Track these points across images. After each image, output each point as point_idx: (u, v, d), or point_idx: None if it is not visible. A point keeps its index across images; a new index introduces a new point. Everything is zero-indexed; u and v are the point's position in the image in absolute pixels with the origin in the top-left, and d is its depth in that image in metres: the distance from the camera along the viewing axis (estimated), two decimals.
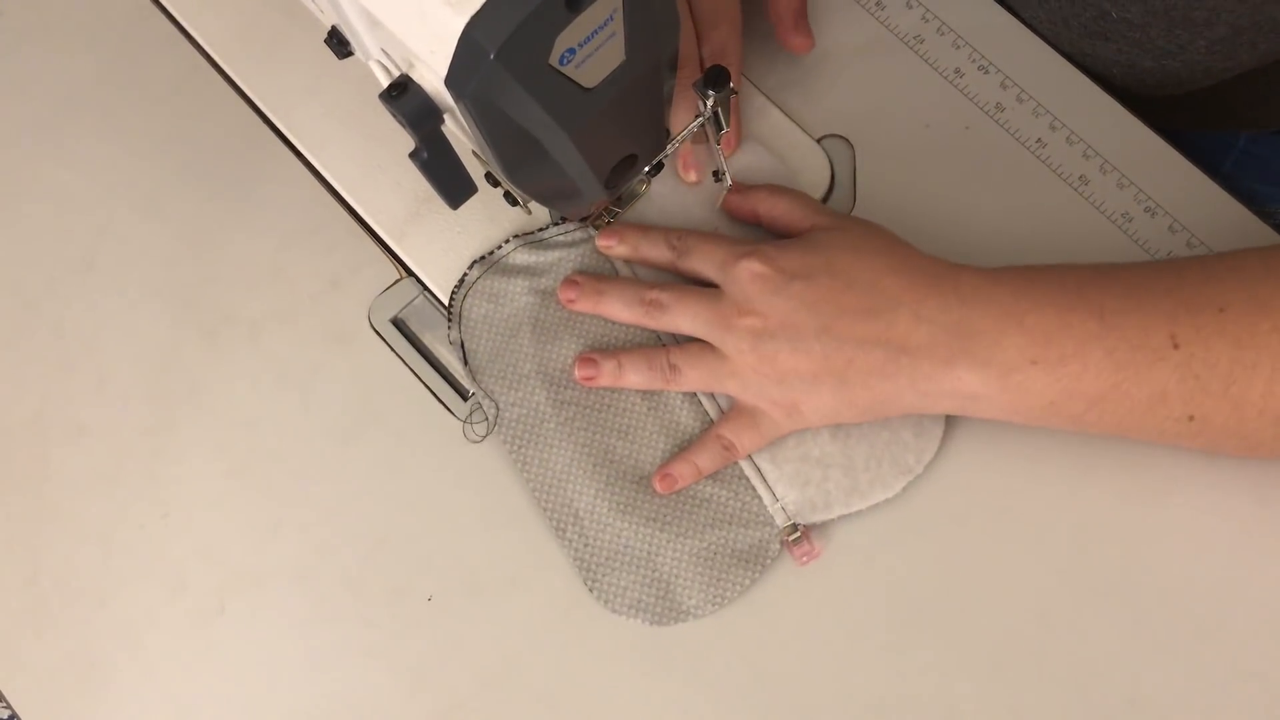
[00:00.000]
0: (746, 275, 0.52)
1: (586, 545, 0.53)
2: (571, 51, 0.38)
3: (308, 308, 0.59)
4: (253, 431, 0.57)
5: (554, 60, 0.38)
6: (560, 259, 0.56)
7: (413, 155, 0.43)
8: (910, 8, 0.61)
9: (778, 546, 0.53)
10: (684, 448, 0.54)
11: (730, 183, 0.54)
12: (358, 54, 0.46)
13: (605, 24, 0.38)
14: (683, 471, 0.53)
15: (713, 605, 0.52)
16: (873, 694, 0.51)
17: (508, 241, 0.57)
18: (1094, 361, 0.47)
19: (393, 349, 0.58)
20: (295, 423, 0.57)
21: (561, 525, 0.54)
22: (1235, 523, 0.52)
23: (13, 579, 0.56)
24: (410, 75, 0.41)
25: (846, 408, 0.51)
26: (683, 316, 0.53)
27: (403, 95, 0.40)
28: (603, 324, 0.56)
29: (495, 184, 0.51)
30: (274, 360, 0.59)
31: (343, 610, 0.54)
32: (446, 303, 0.57)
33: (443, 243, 0.59)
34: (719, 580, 0.53)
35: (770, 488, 0.53)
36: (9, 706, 0.55)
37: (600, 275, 0.56)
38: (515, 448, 0.55)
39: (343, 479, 0.56)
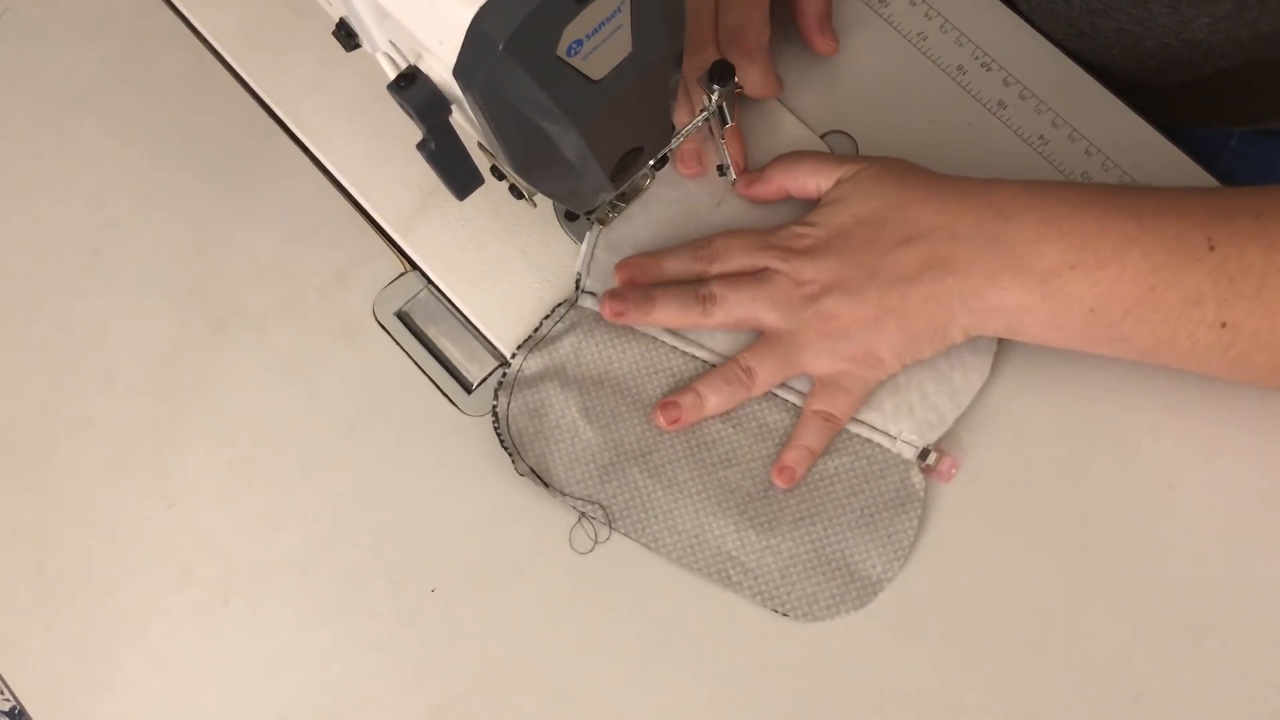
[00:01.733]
0: (787, 245, 0.53)
1: (758, 578, 0.53)
2: (579, 43, 0.38)
3: (313, 301, 0.60)
4: (258, 424, 0.58)
5: (561, 51, 0.38)
6: (574, 347, 0.56)
7: (420, 146, 0.43)
8: (914, 5, 0.62)
9: (921, 478, 0.53)
10: (786, 440, 0.54)
11: (734, 177, 0.55)
12: (365, 46, 0.46)
13: (612, 16, 0.39)
14: (797, 458, 0.53)
15: (897, 562, 0.52)
16: (874, 688, 0.52)
17: (514, 357, 0.56)
18: (1131, 264, 0.47)
19: (397, 342, 0.58)
20: (300, 415, 0.58)
21: (725, 574, 0.53)
22: (1237, 519, 0.52)
23: (19, 570, 0.56)
24: (418, 66, 0.42)
25: (914, 340, 0.52)
26: (742, 304, 0.54)
27: (411, 86, 0.41)
28: (653, 379, 0.55)
29: (501, 177, 0.51)
30: (279, 353, 0.59)
31: (346, 601, 0.55)
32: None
33: (447, 237, 0.59)
34: (889, 537, 0.53)
35: (883, 431, 0.54)
36: (11, 698, 0.55)
37: (644, 288, 0.55)
38: (639, 531, 0.54)
39: (347, 471, 0.57)
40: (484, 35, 0.37)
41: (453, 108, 0.43)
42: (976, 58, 0.61)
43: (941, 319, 0.51)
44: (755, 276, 0.54)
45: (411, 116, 0.42)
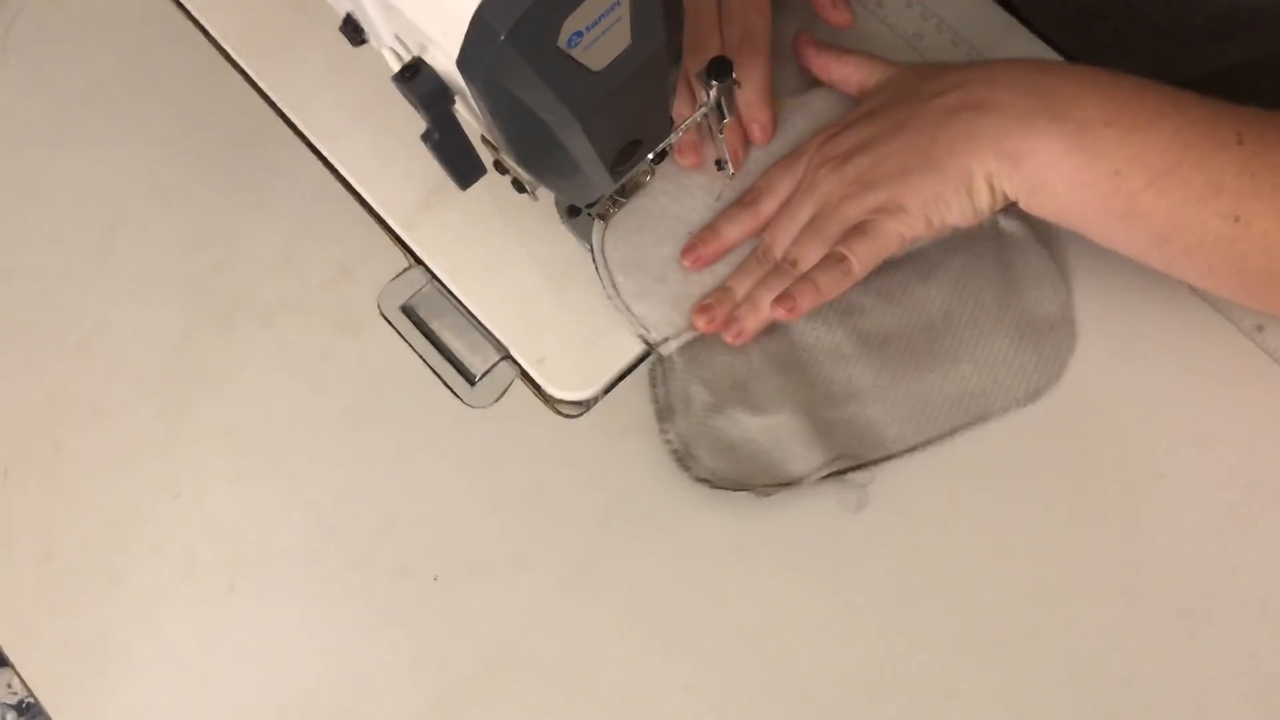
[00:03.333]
0: (817, 143, 0.55)
1: (985, 395, 0.55)
2: (579, 34, 0.39)
3: (319, 295, 0.61)
4: (264, 415, 0.59)
5: (562, 43, 0.39)
6: (688, 381, 0.56)
7: (424, 136, 0.44)
8: (909, 6, 0.63)
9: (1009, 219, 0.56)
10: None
11: (733, 171, 0.56)
12: (371, 41, 0.47)
13: (612, 8, 0.40)
14: (801, 289, 0.53)
15: (1061, 287, 0.55)
16: (868, 673, 0.52)
17: (665, 434, 0.56)
18: (1163, 135, 0.48)
19: (402, 335, 0.59)
20: (305, 407, 0.59)
21: (965, 415, 0.54)
22: (1226, 507, 0.53)
23: (28, 558, 0.57)
24: (423, 59, 0.43)
25: (939, 184, 0.51)
26: (782, 180, 0.56)
27: (415, 77, 0.42)
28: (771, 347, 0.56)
29: (504, 171, 0.52)
30: (285, 346, 0.60)
31: (350, 589, 0.55)
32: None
33: (451, 232, 0.60)
34: (1035, 276, 0.55)
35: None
36: (18, 690, 0.56)
37: (717, 298, 0.56)
38: (879, 447, 0.54)
39: (351, 462, 0.57)
40: (487, 26, 0.38)
41: (456, 100, 0.44)
42: (971, 57, 0.61)
43: (967, 160, 0.51)
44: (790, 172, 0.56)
45: (416, 107, 0.43)
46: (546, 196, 0.59)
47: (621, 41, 0.41)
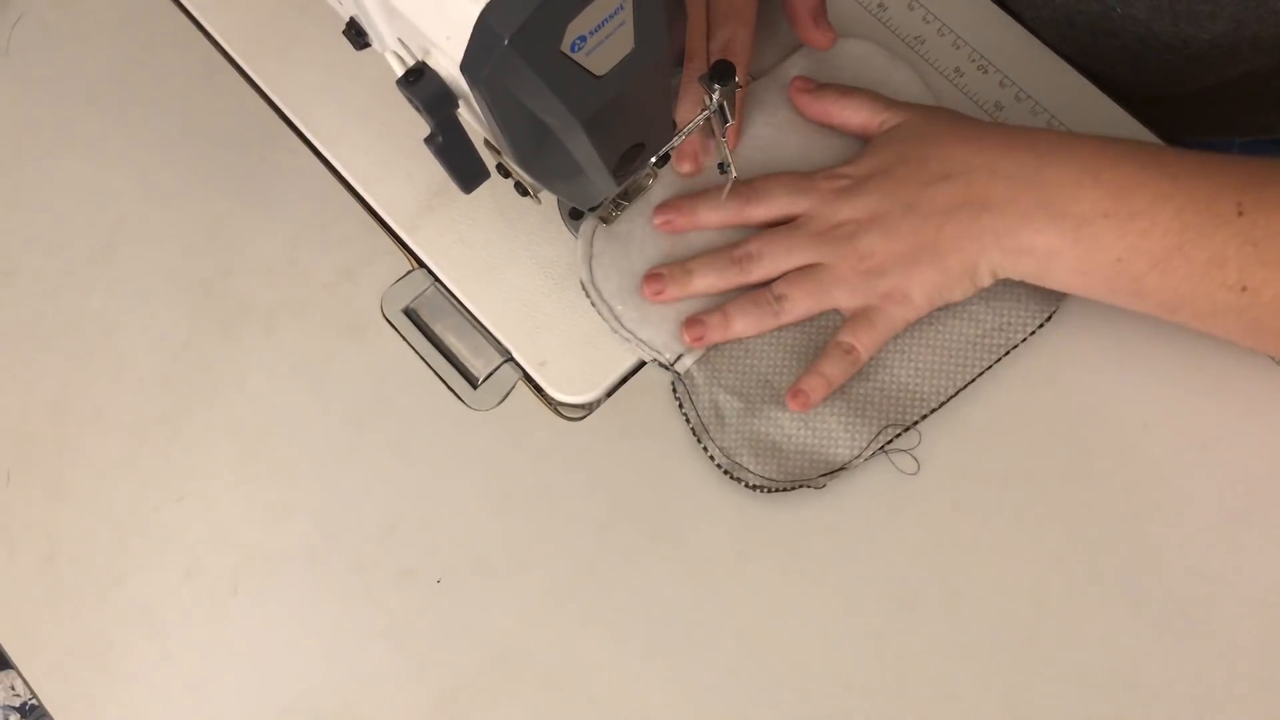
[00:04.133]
0: (826, 190, 0.54)
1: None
2: (583, 39, 0.40)
3: (321, 298, 0.61)
4: (266, 418, 0.59)
5: (565, 47, 0.39)
6: (713, 388, 0.56)
7: (428, 140, 0.44)
8: (911, 9, 0.63)
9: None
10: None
11: (735, 174, 0.56)
12: (375, 45, 0.47)
13: (615, 12, 0.40)
14: (813, 384, 0.54)
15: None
16: (871, 676, 0.52)
17: (705, 449, 0.56)
18: (1162, 219, 0.49)
19: (404, 338, 0.59)
20: (308, 410, 0.59)
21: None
22: (1228, 509, 0.53)
23: (31, 561, 0.57)
24: (426, 63, 0.43)
25: (945, 278, 0.53)
26: (779, 254, 0.55)
27: (419, 80, 0.42)
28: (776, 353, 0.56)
29: (506, 174, 0.52)
30: (288, 349, 0.60)
31: (353, 592, 0.55)
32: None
33: (454, 235, 0.60)
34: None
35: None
36: (21, 692, 0.56)
37: (681, 263, 0.56)
38: (907, 411, 0.55)
39: (354, 465, 0.57)
40: (490, 30, 0.38)
41: (459, 104, 0.44)
42: (973, 60, 0.62)
43: (973, 256, 0.52)
44: (791, 226, 0.55)
45: (419, 111, 0.43)
46: (549, 200, 0.59)
47: (625, 46, 0.41)
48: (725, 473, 0.55)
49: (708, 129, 0.55)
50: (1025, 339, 0.55)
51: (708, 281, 0.56)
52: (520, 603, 0.55)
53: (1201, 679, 0.51)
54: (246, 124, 0.64)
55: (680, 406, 0.56)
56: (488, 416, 0.58)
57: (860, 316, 0.54)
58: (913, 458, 0.55)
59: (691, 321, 0.56)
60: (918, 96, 0.60)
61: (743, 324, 0.55)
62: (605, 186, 0.50)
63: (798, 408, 0.54)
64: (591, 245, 0.58)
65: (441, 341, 0.60)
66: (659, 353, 0.56)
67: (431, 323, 0.60)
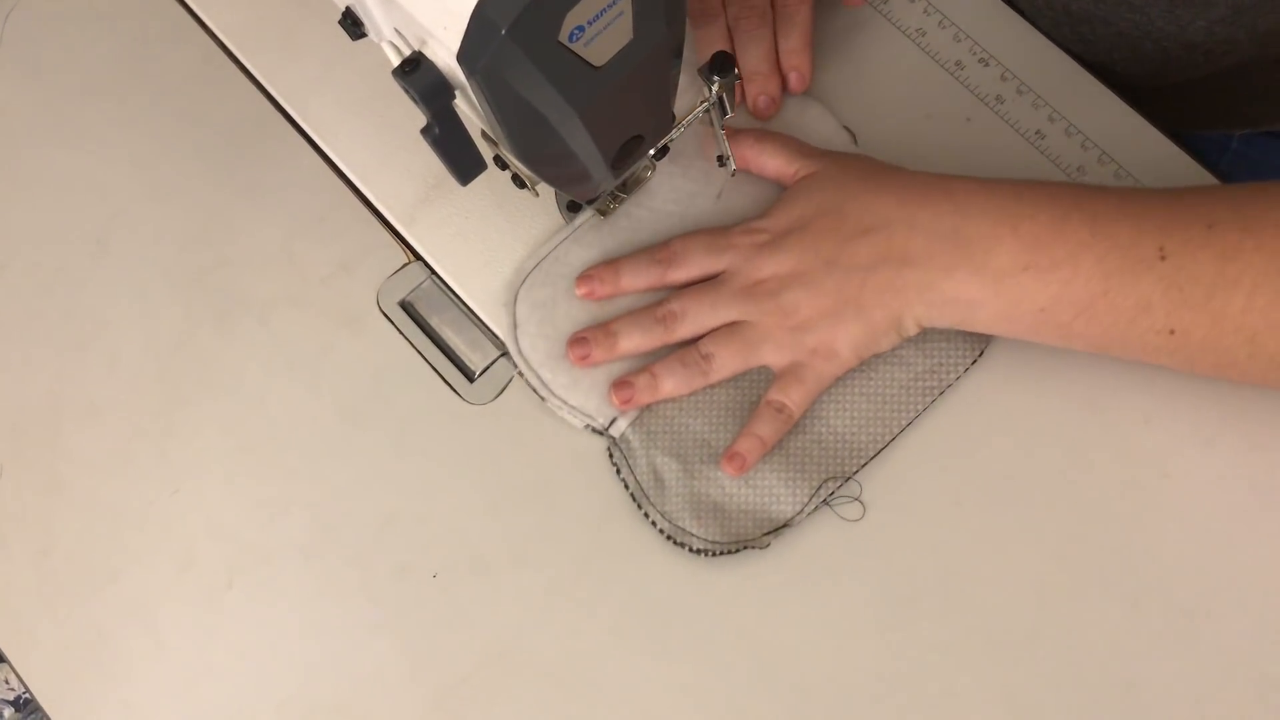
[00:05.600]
0: (746, 246, 0.54)
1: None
2: (580, 29, 0.39)
3: (318, 291, 0.60)
4: (262, 412, 0.58)
5: (563, 37, 0.39)
6: (649, 455, 0.55)
7: (424, 131, 0.44)
8: (912, 2, 0.62)
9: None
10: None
11: (734, 167, 0.55)
12: (371, 35, 0.46)
13: (614, 3, 0.39)
14: (749, 446, 0.54)
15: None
16: (870, 674, 0.52)
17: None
18: (1084, 268, 0.48)
19: (401, 332, 0.59)
20: (304, 403, 0.58)
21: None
22: (1230, 507, 0.53)
23: (25, 555, 0.57)
24: (423, 53, 0.42)
25: (871, 332, 0.52)
26: (703, 311, 0.54)
27: (415, 71, 0.41)
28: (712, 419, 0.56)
29: (504, 166, 0.52)
30: (284, 342, 0.59)
31: (349, 587, 0.55)
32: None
33: (451, 228, 0.60)
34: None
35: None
36: (15, 686, 0.56)
37: (603, 326, 0.56)
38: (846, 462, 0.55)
39: (350, 458, 0.57)
40: (487, 20, 0.37)
41: (456, 95, 0.44)
42: (974, 53, 0.61)
43: (897, 310, 0.52)
44: (712, 284, 0.55)
45: (416, 101, 0.42)
46: (547, 192, 0.59)
47: (623, 36, 0.41)
48: (668, 538, 0.54)
49: (707, 120, 0.54)
50: (959, 378, 0.55)
51: (633, 342, 0.55)
52: (516, 597, 0.54)
53: (1202, 678, 0.51)
54: (242, 115, 0.64)
55: (618, 472, 0.55)
56: (484, 410, 0.57)
57: (789, 374, 0.54)
58: (860, 503, 0.54)
59: (620, 384, 0.55)
60: (830, 136, 0.59)
61: (671, 384, 0.55)
62: (603, 179, 0.49)
63: (734, 472, 0.54)
64: (515, 315, 0.57)
65: (438, 335, 0.59)
66: (591, 418, 0.56)
67: (428, 316, 0.60)
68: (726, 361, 0.54)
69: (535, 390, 0.56)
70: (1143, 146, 0.59)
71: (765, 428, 0.54)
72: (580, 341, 0.56)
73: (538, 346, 0.56)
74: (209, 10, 0.65)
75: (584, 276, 0.57)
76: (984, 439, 0.55)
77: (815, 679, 0.52)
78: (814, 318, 0.53)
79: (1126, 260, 0.48)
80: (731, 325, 0.54)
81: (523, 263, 0.58)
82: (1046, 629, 0.52)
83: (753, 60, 0.58)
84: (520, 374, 0.57)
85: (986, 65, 0.61)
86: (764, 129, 0.58)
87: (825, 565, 0.54)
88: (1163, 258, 0.47)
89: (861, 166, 0.55)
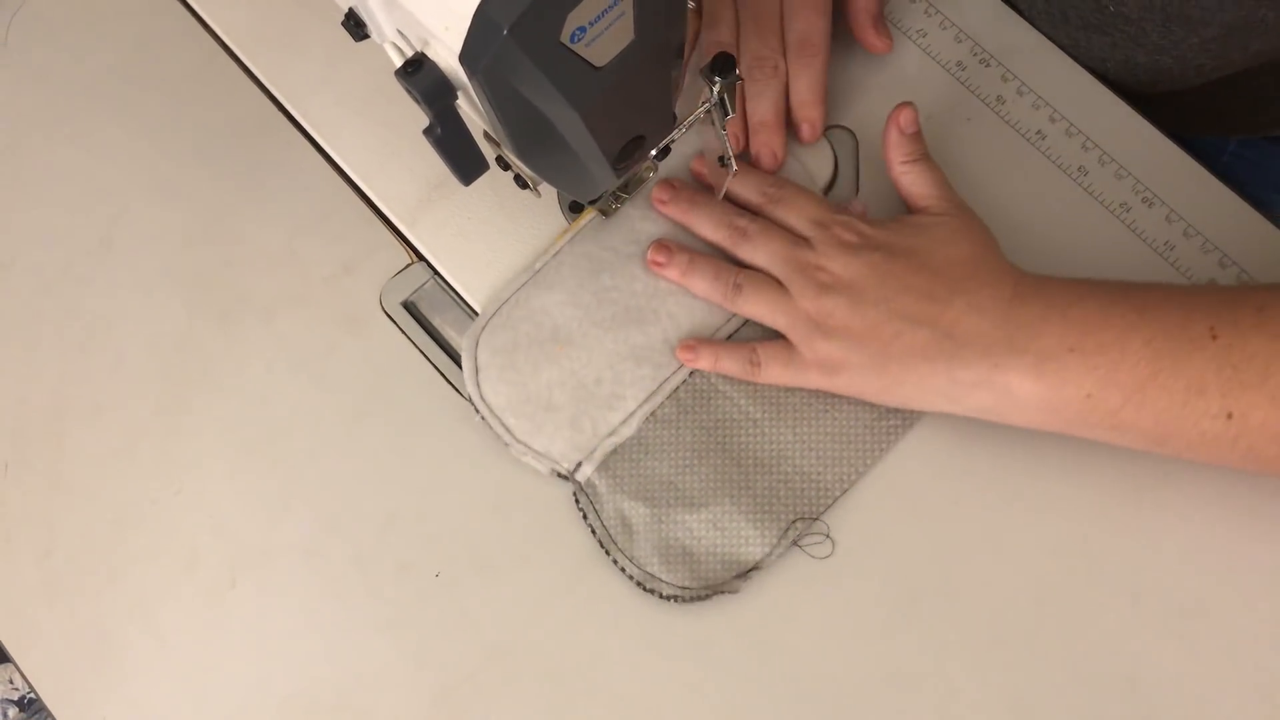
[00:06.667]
0: (837, 233, 0.54)
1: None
2: (582, 30, 0.39)
3: (321, 291, 0.60)
4: (265, 411, 0.59)
5: (565, 38, 0.39)
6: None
7: (427, 132, 0.44)
8: (914, 2, 0.63)
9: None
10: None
11: (735, 168, 0.56)
12: (373, 36, 0.47)
13: (615, 4, 0.39)
14: (704, 353, 0.55)
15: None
16: (873, 673, 0.52)
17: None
18: (1132, 350, 0.47)
19: (403, 332, 0.59)
20: (307, 403, 0.58)
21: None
22: (1230, 504, 0.53)
23: (29, 553, 0.57)
24: (425, 54, 0.42)
25: (878, 379, 0.52)
26: (763, 250, 0.55)
27: (418, 71, 0.42)
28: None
29: (506, 167, 0.52)
30: (287, 342, 0.60)
31: (352, 586, 0.55)
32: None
33: (453, 228, 0.60)
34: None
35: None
36: (20, 685, 0.56)
37: (694, 189, 0.57)
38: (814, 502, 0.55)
39: (353, 458, 0.57)
40: (489, 21, 0.38)
41: (458, 95, 0.44)
42: (975, 54, 0.61)
43: (917, 376, 0.51)
44: (789, 235, 0.55)
45: (418, 102, 0.42)
46: (549, 193, 0.59)
47: (624, 37, 0.41)
48: (638, 584, 0.54)
49: (709, 120, 0.54)
50: (923, 415, 0.55)
51: (702, 224, 0.56)
52: (519, 596, 0.54)
53: (1203, 673, 0.51)
54: (245, 116, 0.64)
55: (585, 518, 0.55)
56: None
57: (786, 349, 0.54)
58: (830, 539, 0.54)
59: (660, 246, 0.56)
60: (816, 175, 0.59)
61: (700, 282, 0.55)
62: (605, 179, 0.49)
63: (682, 354, 0.55)
64: (476, 360, 0.57)
65: (440, 334, 0.59)
66: (556, 463, 0.55)
67: (431, 316, 0.60)
68: (750, 302, 0.55)
69: (499, 436, 0.56)
70: (1143, 147, 0.59)
71: (729, 362, 0.55)
72: (668, 187, 0.57)
73: (499, 392, 0.56)
74: (212, 12, 0.65)
75: (664, 185, 0.57)
76: (985, 439, 0.55)
77: (818, 677, 0.52)
78: (840, 331, 0.52)
79: (1176, 341, 0.47)
80: (772, 280, 0.55)
81: (485, 304, 0.58)
82: (1047, 628, 0.52)
83: (759, 112, 0.58)
84: (482, 418, 0.56)
85: (987, 66, 0.61)
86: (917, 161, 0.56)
87: (828, 562, 0.54)
88: (1214, 337, 0.46)
89: (973, 233, 0.53)
